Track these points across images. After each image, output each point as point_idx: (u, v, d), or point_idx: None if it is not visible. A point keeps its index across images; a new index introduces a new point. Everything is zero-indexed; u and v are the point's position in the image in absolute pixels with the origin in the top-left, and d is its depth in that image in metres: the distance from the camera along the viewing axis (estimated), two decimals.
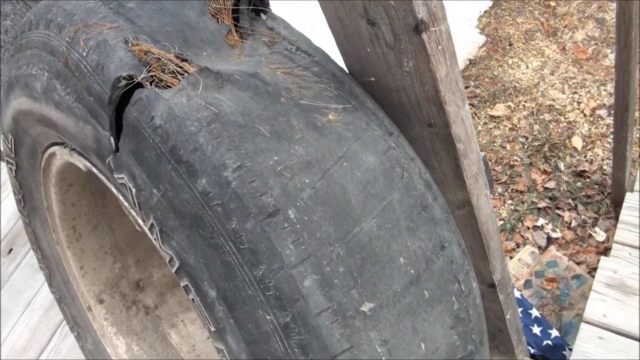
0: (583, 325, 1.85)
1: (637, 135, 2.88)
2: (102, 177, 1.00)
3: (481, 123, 3.17)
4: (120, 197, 0.95)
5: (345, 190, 0.75)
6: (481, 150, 2.93)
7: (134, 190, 0.82)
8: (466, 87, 3.37)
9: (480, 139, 3.11)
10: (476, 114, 3.22)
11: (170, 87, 0.75)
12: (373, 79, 0.91)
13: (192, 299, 0.80)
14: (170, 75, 0.75)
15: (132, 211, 0.92)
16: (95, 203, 1.45)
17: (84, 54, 0.82)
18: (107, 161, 0.86)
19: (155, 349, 1.55)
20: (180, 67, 0.75)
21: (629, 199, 2.27)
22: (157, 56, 0.75)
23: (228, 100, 0.76)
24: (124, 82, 0.77)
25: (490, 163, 3.01)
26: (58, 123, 0.97)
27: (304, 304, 0.71)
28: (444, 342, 0.81)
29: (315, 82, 0.83)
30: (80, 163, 1.06)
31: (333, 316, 0.72)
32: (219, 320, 0.77)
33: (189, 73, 0.76)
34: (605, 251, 2.51)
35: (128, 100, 0.78)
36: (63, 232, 1.43)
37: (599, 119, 2.96)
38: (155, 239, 0.83)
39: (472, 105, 3.26)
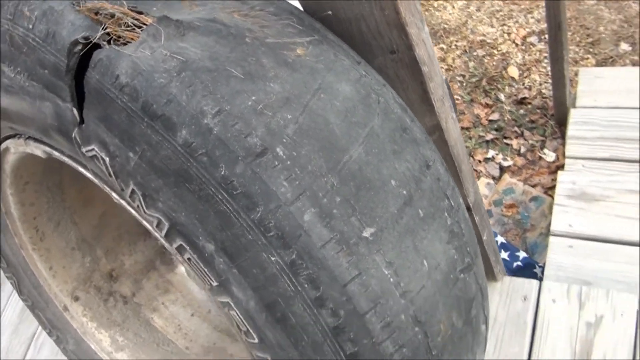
0: (551, 239, 1.91)
1: (571, 55, 2.97)
2: (66, 159, 0.96)
3: None
4: (90, 175, 0.92)
5: (327, 122, 0.75)
6: None
7: (107, 159, 0.79)
8: None
9: None
10: None
11: (130, 42, 0.72)
12: (330, 12, 0.89)
13: (188, 259, 0.78)
14: (127, 30, 0.72)
15: (105, 186, 0.89)
16: (54, 199, 1.39)
17: (30, 26, 0.77)
18: (72, 136, 0.82)
19: (140, 336, 1.52)
20: (137, 20, 0.72)
21: (574, 114, 2.35)
22: (111, 11, 0.71)
23: (193, 47, 0.73)
24: (79, 46, 0.73)
25: None
26: (10, 110, 0.91)
27: (307, 239, 0.71)
28: (443, 257, 0.82)
29: (275, 20, 0.81)
30: (39, 150, 1.01)
31: (337, 246, 0.72)
32: (221, 272, 0.75)
33: (147, 25, 0.72)
34: (557, 170, 2.59)
35: (87, 65, 0.74)
36: (26, 234, 1.37)
37: (531, 46, 3.04)
38: (137, 206, 0.80)
39: None
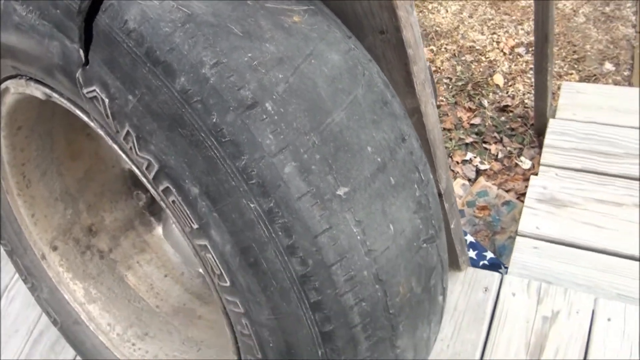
0: (518, 239, 1.99)
1: (555, 69, 3.06)
2: (64, 101, 1.00)
3: None
4: (85, 117, 0.96)
5: (316, 85, 0.80)
6: None
7: (106, 100, 0.84)
8: None
9: None
10: None
11: None
12: None
13: (173, 201, 0.84)
14: None
15: (100, 130, 0.94)
16: (43, 147, 1.43)
17: None
18: (76, 76, 0.87)
19: (113, 290, 1.56)
20: None
21: (552, 124, 2.43)
22: None
23: (198, 2, 0.78)
24: None
25: None
26: (17, 47, 0.96)
27: (286, 189, 0.77)
28: (409, 225, 0.88)
29: None
30: (39, 91, 1.05)
31: (313, 199, 0.78)
32: (202, 215, 0.81)
33: None
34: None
35: (98, 9, 0.79)
36: (13, 179, 1.41)
37: (518, 56, 3.13)
38: (130, 148, 0.85)
39: None
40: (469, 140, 2.95)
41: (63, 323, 1.57)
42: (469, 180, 2.87)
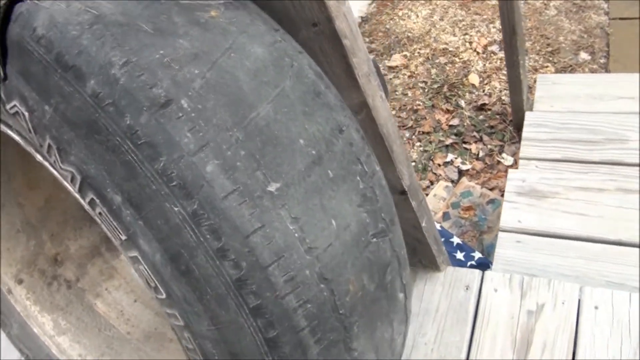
0: (500, 234, 1.94)
1: (531, 64, 3.04)
2: (2, 126, 0.97)
3: None
4: (15, 136, 0.93)
5: (236, 79, 0.77)
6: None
7: (26, 114, 0.80)
8: None
9: None
10: None
11: None
12: None
13: (100, 213, 0.80)
14: None
15: (30, 146, 0.90)
16: None
17: None
18: None
19: (82, 320, 1.51)
20: None
21: (529, 116, 2.39)
22: None
23: (107, 2, 0.75)
24: (4, 0, 0.75)
25: (394, 111, 3.10)
26: None
27: (210, 189, 0.73)
28: (354, 219, 0.84)
29: None
30: None
31: (240, 197, 0.74)
32: (128, 225, 0.77)
33: None
34: None
35: (9, 20, 0.76)
36: None
37: (492, 54, 3.11)
38: (54, 162, 0.82)
39: None
40: (448, 141, 2.91)
41: (35, 358, 1.52)
42: (452, 181, 2.83)
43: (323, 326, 0.81)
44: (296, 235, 0.77)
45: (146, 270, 0.80)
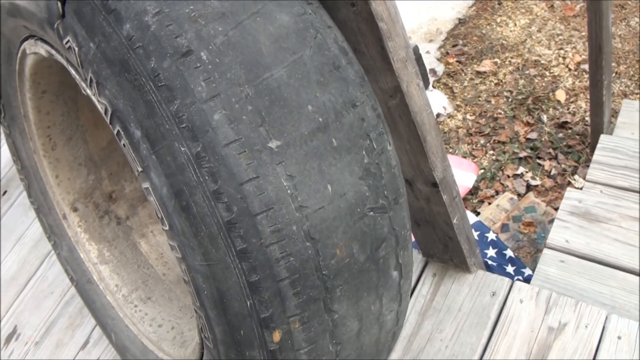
0: (545, 251, 1.91)
1: (621, 88, 2.93)
2: (60, 59, 1.09)
3: (467, 79, 3.23)
4: (72, 71, 1.04)
5: (257, 41, 0.83)
6: (465, 105, 2.98)
7: (76, 49, 0.91)
8: (454, 46, 3.43)
9: (465, 94, 3.16)
10: (463, 70, 3.27)
11: None
12: None
13: (124, 144, 0.89)
14: None
15: (81, 81, 1.01)
16: (69, 114, 1.54)
17: None
18: (55, 26, 0.94)
19: (125, 255, 1.64)
20: None
21: (604, 140, 2.32)
22: None
23: None
24: None
25: (474, 117, 3.07)
26: (21, 6, 1.06)
27: (213, 135, 0.80)
28: (352, 189, 0.89)
29: None
30: (43, 50, 1.15)
31: (240, 148, 0.80)
32: (144, 158, 0.86)
33: None
34: None
35: None
36: (39, 140, 1.53)
37: (584, 73, 3.01)
38: (94, 94, 0.92)
39: (459, 62, 3.32)
40: (523, 154, 2.86)
41: (78, 281, 1.67)
42: (518, 195, 2.78)
43: (303, 281, 0.87)
44: (288, 191, 0.83)
45: (155, 202, 0.89)
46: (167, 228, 0.90)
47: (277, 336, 0.90)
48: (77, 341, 2.02)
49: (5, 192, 2.76)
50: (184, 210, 0.85)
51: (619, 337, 1.49)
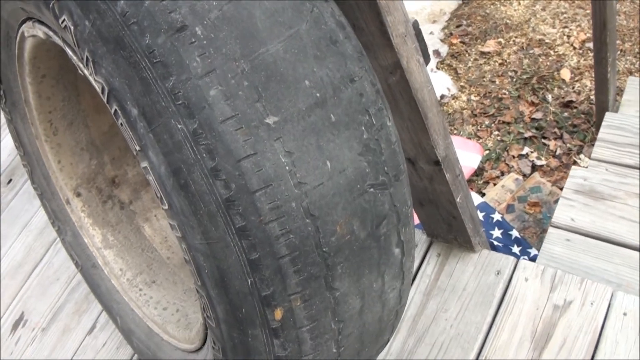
0: (551, 229, 1.91)
1: (627, 66, 2.90)
2: (58, 40, 1.08)
3: (471, 59, 3.20)
4: (69, 51, 1.03)
5: (252, 15, 0.82)
6: (470, 86, 2.95)
7: (72, 28, 0.90)
8: (458, 26, 3.40)
9: (469, 75, 3.14)
10: (467, 51, 3.25)
11: None
12: None
13: (121, 123, 0.88)
14: None
15: (78, 61, 1.00)
16: (69, 98, 1.53)
17: None
18: (51, 5, 0.93)
19: (129, 239, 1.65)
20: None
21: (609, 118, 2.30)
22: None
23: None
24: None
25: (478, 97, 3.05)
26: None
27: (210, 112, 0.79)
28: (351, 165, 0.88)
29: None
30: (41, 31, 1.14)
31: (237, 124, 0.80)
32: (141, 137, 0.85)
33: None
34: None
35: None
36: (40, 125, 1.53)
37: (588, 51, 2.98)
38: (90, 74, 0.91)
39: (463, 42, 3.29)
40: (528, 134, 2.84)
41: (83, 266, 1.68)
42: (524, 175, 2.77)
43: (304, 258, 0.86)
44: (287, 168, 0.82)
45: (154, 180, 0.88)
46: (166, 207, 0.89)
47: (278, 314, 0.90)
48: (84, 326, 2.04)
49: (10, 181, 2.77)
50: (182, 189, 0.84)
51: (625, 314, 1.48)
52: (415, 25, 1.13)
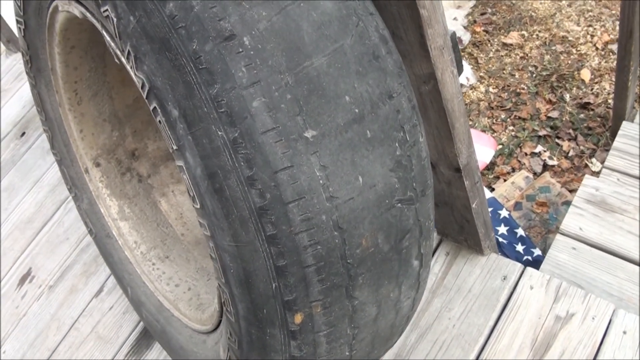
0: (558, 236, 1.93)
1: None
2: (95, 22, 1.08)
3: (493, 50, 3.18)
4: (107, 37, 1.04)
5: (299, 27, 0.83)
6: (489, 77, 2.93)
7: (115, 20, 0.90)
8: (483, 14, 3.36)
9: (490, 66, 3.12)
10: (489, 41, 3.22)
11: None
12: None
13: (159, 121, 0.89)
14: None
15: (116, 49, 1.01)
16: (96, 70, 1.54)
17: None
18: None
19: (145, 213, 1.67)
20: None
21: (626, 127, 2.30)
22: None
23: None
24: None
25: (496, 90, 3.04)
26: None
27: (251, 122, 0.80)
28: (382, 181, 0.90)
29: None
30: (77, 10, 1.14)
31: (277, 136, 0.81)
32: (180, 137, 0.86)
33: None
34: None
35: None
36: (65, 94, 1.53)
37: (610, 53, 2.96)
38: (131, 67, 0.91)
39: (486, 31, 3.26)
40: (542, 132, 2.84)
41: (97, 234, 1.70)
42: (534, 173, 2.78)
43: (328, 269, 0.88)
44: (321, 182, 0.84)
45: (188, 180, 0.90)
46: (198, 206, 0.91)
47: (298, 318, 0.92)
48: (91, 288, 2.07)
49: (23, 134, 2.78)
50: (216, 192, 0.86)
51: (624, 332, 1.51)
52: (453, 37, 1.13)
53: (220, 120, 0.81)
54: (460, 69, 1.19)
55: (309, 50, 0.83)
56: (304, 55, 0.82)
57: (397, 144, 0.91)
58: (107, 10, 0.92)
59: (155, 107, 0.89)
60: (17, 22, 1.48)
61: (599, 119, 2.77)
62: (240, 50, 0.79)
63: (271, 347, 0.99)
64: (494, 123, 2.91)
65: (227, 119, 0.80)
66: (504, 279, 1.66)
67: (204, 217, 0.91)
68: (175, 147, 0.89)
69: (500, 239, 2.48)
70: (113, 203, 1.65)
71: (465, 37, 3.28)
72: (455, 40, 1.14)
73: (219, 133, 0.82)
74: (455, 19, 3.38)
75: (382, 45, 0.91)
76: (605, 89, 2.84)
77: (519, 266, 1.67)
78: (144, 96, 0.91)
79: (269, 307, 0.92)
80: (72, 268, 2.16)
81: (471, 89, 3.06)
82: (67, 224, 2.26)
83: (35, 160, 2.59)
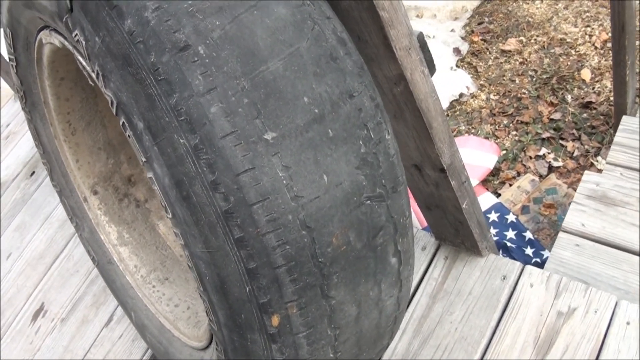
0: (561, 234, 1.91)
1: None
2: (71, 48, 1.12)
3: (492, 57, 3.19)
4: (83, 61, 1.08)
5: (253, 34, 0.85)
6: (489, 85, 2.94)
7: (84, 42, 0.94)
8: (480, 23, 3.38)
9: (490, 73, 3.13)
10: (488, 49, 3.23)
11: None
12: None
13: (128, 135, 0.92)
14: None
15: (90, 72, 1.05)
16: (87, 100, 1.58)
17: None
18: (64, 20, 0.97)
19: (144, 237, 1.70)
20: None
21: (626, 121, 2.28)
22: None
23: None
24: None
25: (498, 96, 3.04)
26: (36, 1, 1.09)
27: (210, 128, 0.82)
28: (348, 179, 0.91)
29: None
30: (57, 40, 1.19)
31: (236, 140, 0.83)
32: (147, 149, 0.89)
33: None
34: None
35: None
36: (59, 125, 1.58)
37: (610, 51, 2.94)
38: (101, 86, 0.95)
39: (484, 40, 3.27)
40: (545, 135, 2.83)
41: (100, 261, 1.73)
42: (540, 176, 2.76)
43: (300, 268, 0.90)
44: (284, 182, 0.85)
45: (159, 191, 0.92)
46: (170, 216, 0.93)
47: (275, 320, 0.93)
48: (101, 318, 2.10)
49: (33, 173, 2.85)
50: (184, 200, 0.88)
51: (628, 323, 1.49)
52: (420, 37, 1.15)
53: (181, 128, 0.83)
54: (432, 70, 1.21)
55: (264, 55, 0.85)
56: (259, 60, 0.85)
57: (361, 142, 0.93)
58: (77, 34, 0.96)
59: (123, 122, 0.92)
60: (9, 59, 1.54)
61: (602, 117, 2.76)
62: (196, 59, 0.82)
63: (254, 353, 1.00)
64: (496, 129, 2.91)
65: (188, 127, 0.83)
66: (504, 278, 1.65)
67: (176, 226, 0.94)
68: (144, 160, 0.92)
69: (509, 244, 2.46)
70: (112, 229, 1.68)
71: (464, 47, 3.30)
72: (423, 40, 1.16)
73: (181, 141, 0.84)
74: (452, 30, 3.41)
75: (340, 47, 0.93)
76: (606, 87, 2.82)
77: (518, 265, 1.66)
78: (114, 113, 0.94)
79: (246, 311, 0.94)
80: (83, 300, 2.19)
81: (472, 97, 3.06)
82: (76, 257, 2.30)
83: (45, 198, 2.65)
